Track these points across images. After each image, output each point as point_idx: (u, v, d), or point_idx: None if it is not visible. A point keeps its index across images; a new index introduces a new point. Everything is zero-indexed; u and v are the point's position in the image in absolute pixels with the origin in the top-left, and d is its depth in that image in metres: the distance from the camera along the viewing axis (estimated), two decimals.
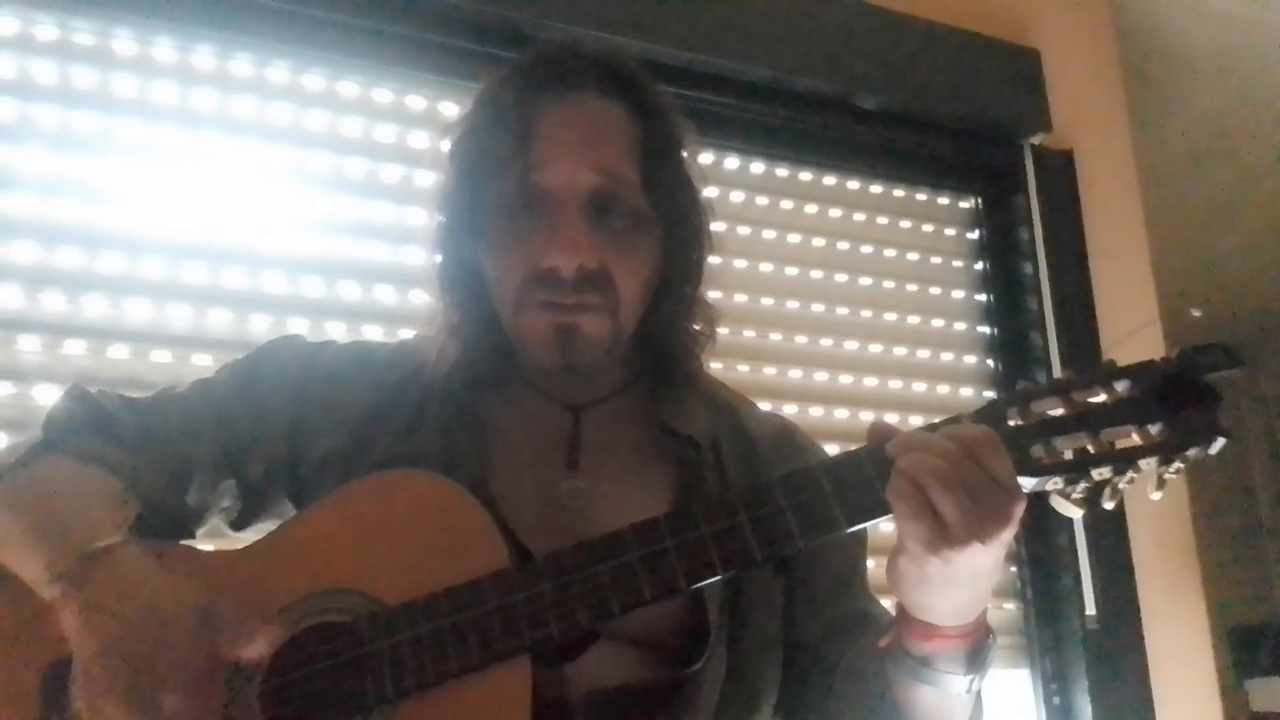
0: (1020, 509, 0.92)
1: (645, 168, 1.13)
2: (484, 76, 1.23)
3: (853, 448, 1.01)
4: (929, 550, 0.91)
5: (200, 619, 0.95)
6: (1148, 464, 0.94)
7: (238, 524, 1.21)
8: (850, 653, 1.15)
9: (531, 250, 1.10)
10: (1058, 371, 2.53)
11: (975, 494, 0.90)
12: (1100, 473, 0.94)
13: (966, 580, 0.95)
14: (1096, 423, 0.95)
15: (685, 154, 1.21)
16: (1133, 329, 2.56)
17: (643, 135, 1.15)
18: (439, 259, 1.20)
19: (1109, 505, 0.95)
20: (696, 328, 1.23)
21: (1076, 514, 0.96)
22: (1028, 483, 0.94)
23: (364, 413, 1.19)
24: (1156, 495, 0.95)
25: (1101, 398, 0.96)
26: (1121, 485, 0.95)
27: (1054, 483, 0.95)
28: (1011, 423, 0.97)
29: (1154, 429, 0.93)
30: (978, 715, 1.10)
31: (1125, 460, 0.93)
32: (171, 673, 0.91)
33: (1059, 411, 0.96)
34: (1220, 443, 0.92)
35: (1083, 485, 0.95)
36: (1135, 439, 0.94)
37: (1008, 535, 0.92)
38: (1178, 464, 0.93)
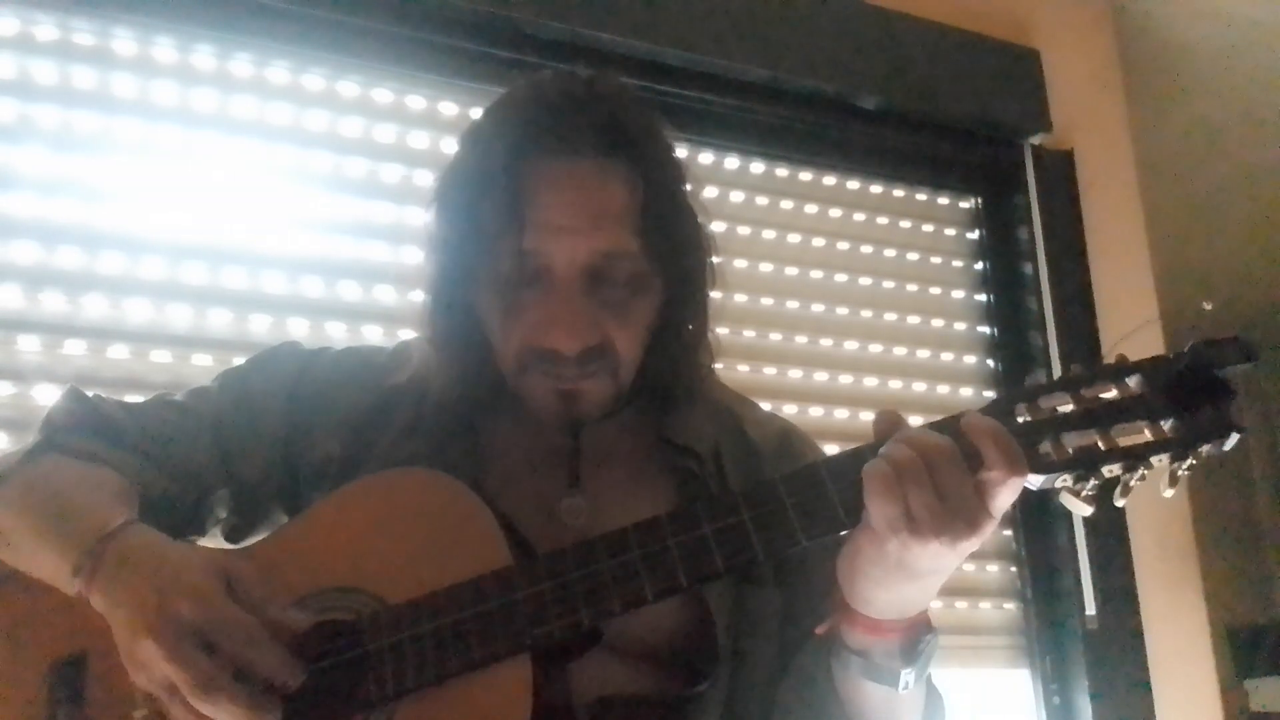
0: (989, 525, 0.92)
1: (645, 229, 1.09)
2: (482, 98, 1.18)
3: (855, 446, 1.00)
4: (890, 530, 0.91)
5: (223, 575, 0.94)
6: (1160, 461, 0.93)
7: (233, 536, 1.20)
8: (800, 652, 1.14)
9: (531, 324, 1.09)
10: (1058, 372, 2.53)
11: (946, 495, 0.90)
12: (1111, 470, 0.93)
13: (924, 573, 0.95)
14: (1107, 419, 0.93)
15: (687, 190, 1.18)
16: (1134, 327, 2.56)
17: (643, 192, 1.10)
18: (428, 300, 1.19)
19: (1121, 503, 0.94)
20: (698, 350, 1.22)
21: (1086, 511, 0.95)
22: (1036, 480, 0.93)
23: (362, 417, 1.19)
24: (1169, 493, 0.94)
25: (1113, 393, 0.95)
26: (1133, 482, 0.94)
27: (1063, 480, 0.94)
28: (1020, 419, 0.96)
29: (1166, 425, 0.92)
30: (936, 716, 1.10)
31: (1137, 457, 0.92)
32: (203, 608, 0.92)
33: (1069, 407, 0.95)
34: (1235, 438, 0.91)
35: (1093, 482, 0.94)
36: (1147, 435, 0.93)
37: (971, 545, 0.92)
38: (1191, 460, 0.92)
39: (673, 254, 1.13)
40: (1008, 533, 2.52)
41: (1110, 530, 2.48)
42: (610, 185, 1.09)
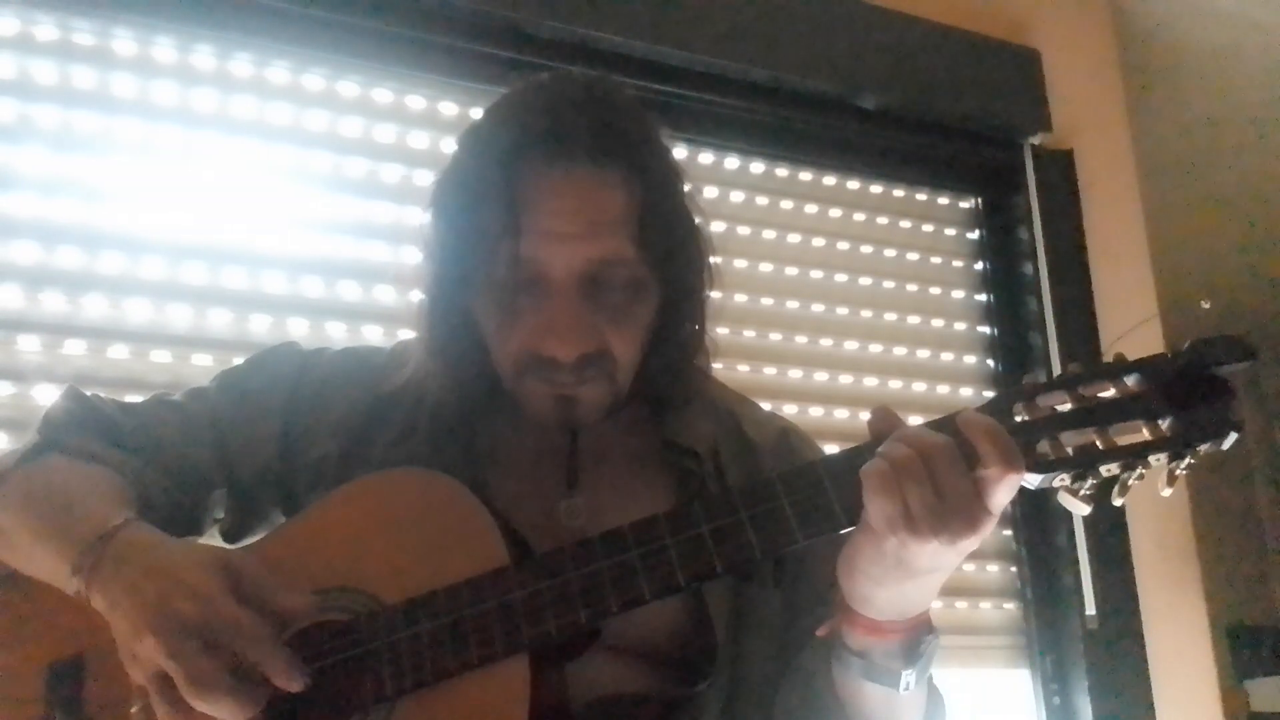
0: (988, 523, 0.91)
1: (643, 234, 1.08)
2: (482, 98, 1.18)
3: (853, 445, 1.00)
4: (889, 528, 0.91)
5: (226, 572, 0.94)
6: (1158, 460, 0.92)
7: (231, 536, 1.20)
8: (800, 653, 1.14)
9: (527, 331, 1.08)
10: (1058, 371, 2.53)
11: (944, 493, 0.90)
12: (1109, 469, 0.92)
13: (924, 571, 0.95)
14: (1105, 418, 0.93)
15: (685, 191, 1.17)
16: (1133, 326, 2.56)
17: (641, 197, 1.08)
18: (424, 303, 1.18)
19: (1119, 502, 0.94)
20: (697, 352, 1.21)
21: (1084, 510, 0.95)
22: (1034, 479, 0.93)
23: (360, 417, 1.19)
24: (1167, 492, 0.93)
25: (1110, 392, 0.94)
26: (1131, 481, 0.93)
27: (1061, 479, 0.94)
28: (1018, 418, 0.95)
29: (1164, 424, 0.92)
30: (937, 716, 1.10)
31: (1134, 456, 0.92)
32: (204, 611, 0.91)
33: (1066, 406, 0.95)
34: (1233, 437, 0.90)
35: (1091, 481, 0.93)
36: (1145, 434, 0.92)
37: (970, 543, 0.91)
38: (1189, 459, 0.92)
39: (670, 258, 1.12)
40: (1008, 533, 2.52)
41: (1110, 530, 2.48)
42: (607, 191, 1.07)
